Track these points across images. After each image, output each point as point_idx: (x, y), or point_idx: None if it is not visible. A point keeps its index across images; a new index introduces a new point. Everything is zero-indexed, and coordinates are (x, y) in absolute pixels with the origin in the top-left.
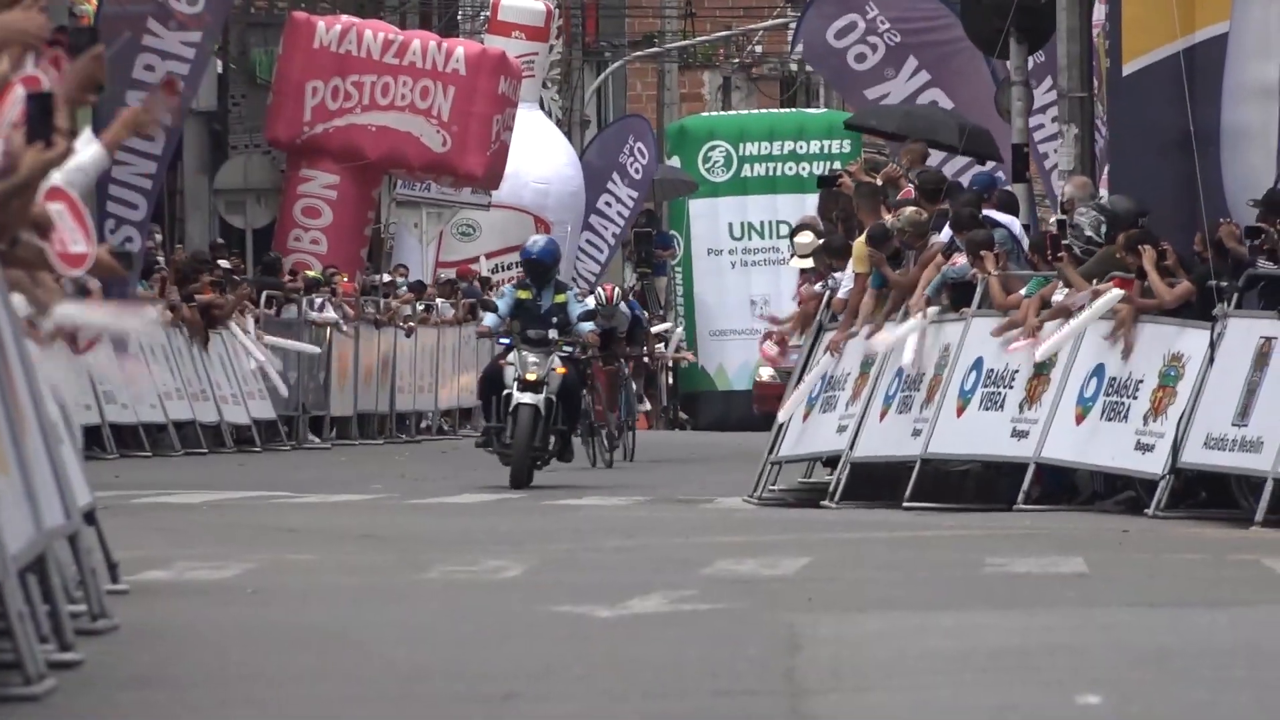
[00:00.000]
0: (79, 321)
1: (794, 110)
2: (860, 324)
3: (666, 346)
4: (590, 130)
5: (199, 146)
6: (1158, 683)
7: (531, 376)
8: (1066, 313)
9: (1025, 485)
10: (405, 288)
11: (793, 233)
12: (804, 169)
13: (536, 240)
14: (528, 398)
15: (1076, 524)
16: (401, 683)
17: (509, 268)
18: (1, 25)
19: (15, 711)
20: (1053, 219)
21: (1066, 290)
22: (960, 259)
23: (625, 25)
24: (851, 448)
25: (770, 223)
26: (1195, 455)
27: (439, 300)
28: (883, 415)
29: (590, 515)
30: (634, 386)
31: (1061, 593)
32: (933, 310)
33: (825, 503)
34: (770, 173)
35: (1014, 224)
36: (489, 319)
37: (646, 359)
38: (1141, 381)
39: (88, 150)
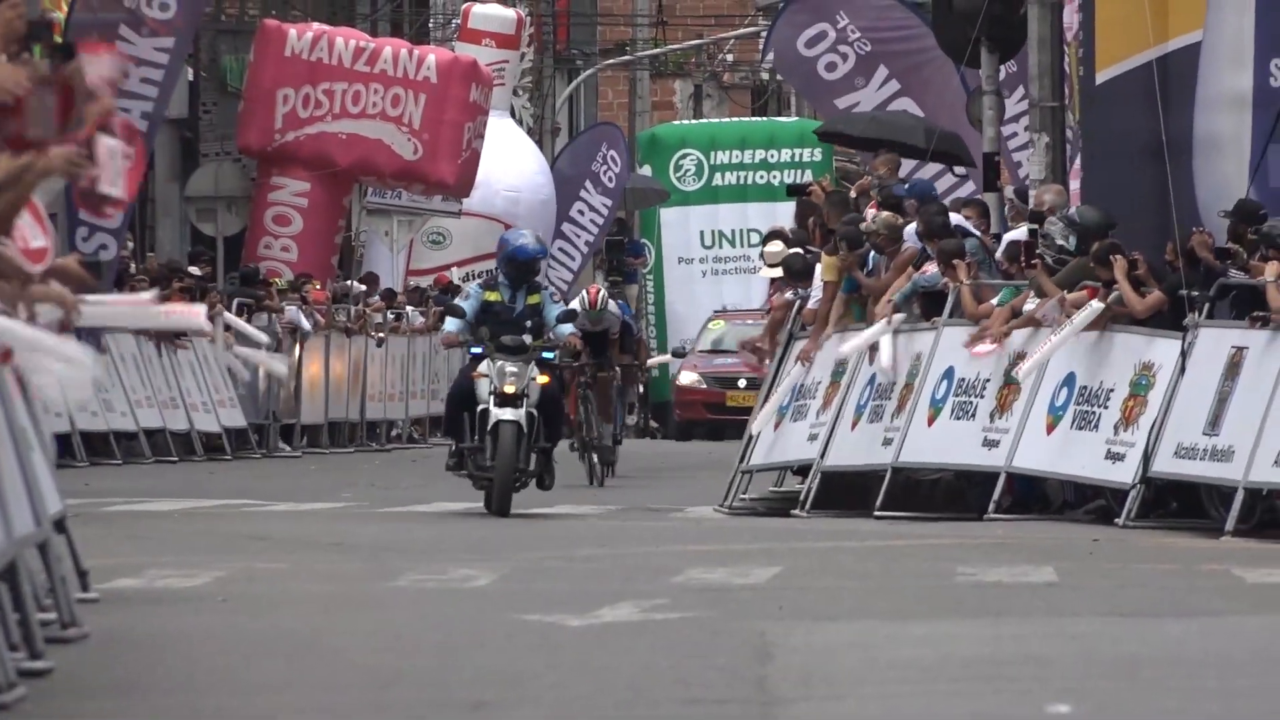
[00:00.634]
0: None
1: (765, 119)
2: (830, 330)
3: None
4: (561, 138)
5: (170, 154)
6: (1128, 692)
7: (510, 389)
8: (1037, 323)
9: (996, 495)
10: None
11: (763, 241)
12: (775, 178)
13: (523, 235)
14: (508, 413)
15: (1047, 534)
16: (372, 691)
17: (480, 275)
18: None
19: None
20: (1024, 227)
21: (1038, 300)
22: (931, 267)
23: (597, 33)
24: (822, 457)
25: (741, 231)
26: (1166, 465)
27: (409, 309)
28: (854, 424)
29: (561, 524)
30: (627, 396)
31: (1032, 602)
32: (898, 317)
33: (796, 512)
34: (741, 181)
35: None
36: (452, 324)
37: (637, 367)
38: (1112, 391)
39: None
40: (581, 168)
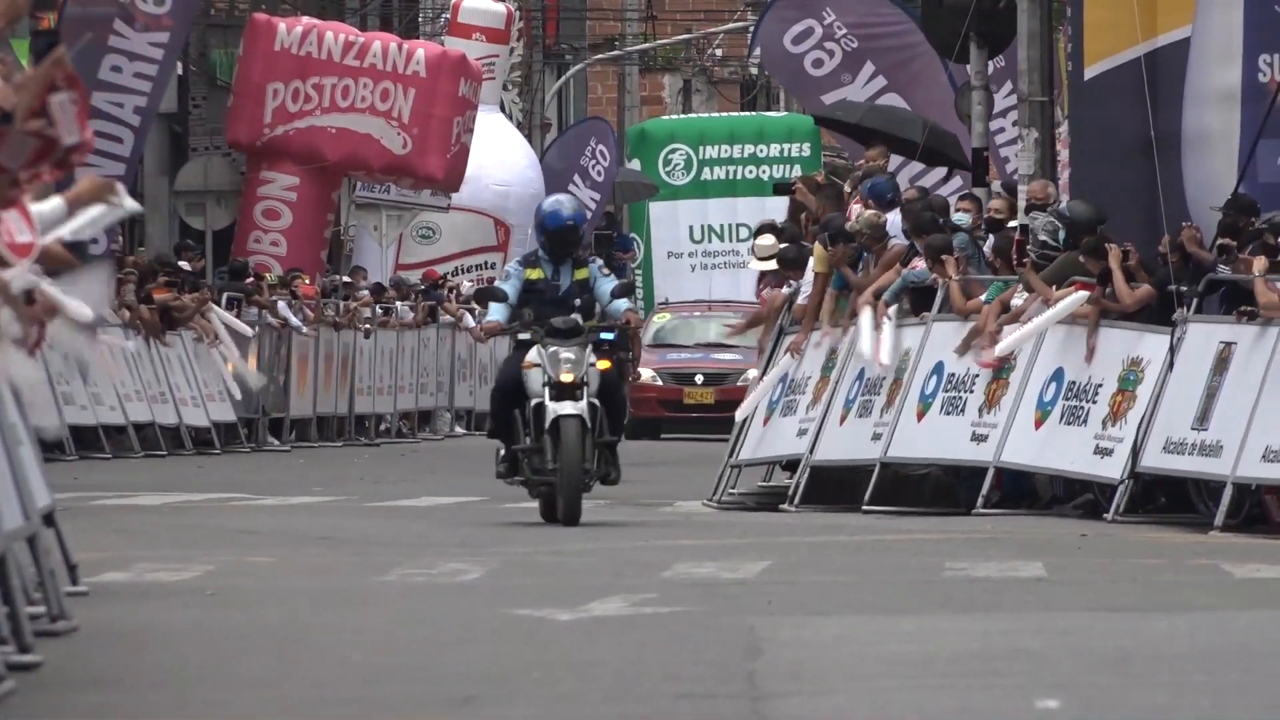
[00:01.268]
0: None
1: (754, 114)
2: (824, 325)
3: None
4: (551, 133)
5: (159, 148)
6: (1117, 687)
7: (568, 377)
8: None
9: (985, 489)
10: (365, 290)
11: (754, 235)
12: (764, 172)
13: (557, 201)
14: (569, 407)
15: (1036, 528)
16: (360, 686)
17: (469, 270)
18: None
19: None
20: (1015, 223)
21: (1027, 295)
22: (920, 263)
23: (586, 28)
24: (811, 451)
25: (730, 226)
26: (1154, 460)
27: (398, 303)
28: (843, 419)
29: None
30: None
31: (1021, 597)
32: (893, 309)
33: (785, 506)
34: (730, 176)
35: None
36: (496, 311)
37: (630, 361)
38: (1101, 386)
39: (49, 202)
40: (570, 162)
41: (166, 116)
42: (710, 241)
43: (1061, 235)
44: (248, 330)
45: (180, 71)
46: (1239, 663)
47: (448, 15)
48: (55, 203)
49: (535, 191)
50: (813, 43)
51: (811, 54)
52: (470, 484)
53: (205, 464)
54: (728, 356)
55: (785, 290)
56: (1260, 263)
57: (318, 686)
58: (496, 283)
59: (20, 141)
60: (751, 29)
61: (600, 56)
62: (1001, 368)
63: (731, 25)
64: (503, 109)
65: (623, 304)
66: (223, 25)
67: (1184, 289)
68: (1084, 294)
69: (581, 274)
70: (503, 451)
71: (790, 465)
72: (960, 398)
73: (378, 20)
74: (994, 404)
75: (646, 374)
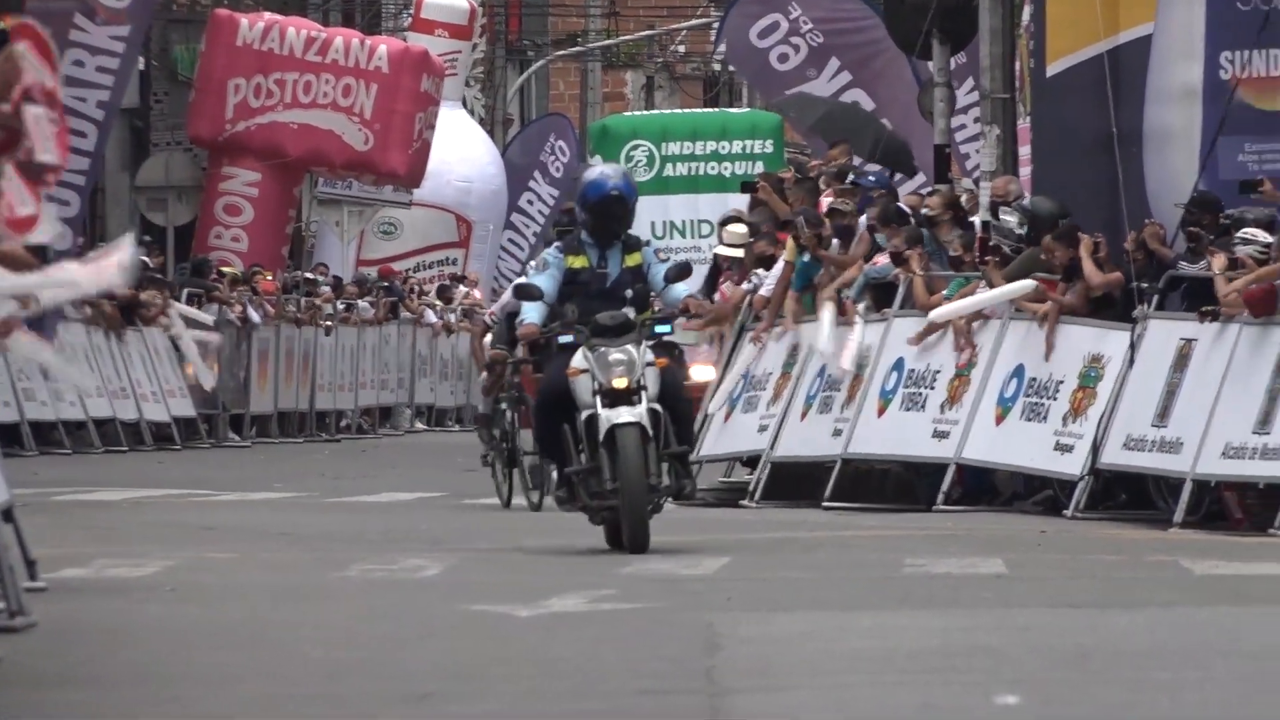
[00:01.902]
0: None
1: (717, 110)
2: (787, 321)
3: None
4: (513, 129)
5: (120, 143)
6: (1076, 683)
7: (621, 382)
8: (984, 316)
9: (945, 486)
10: (326, 286)
11: (720, 225)
12: (726, 169)
13: (603, 171)
14: (625, 414)
15: (996, 525)
16: (320, 681)
17: (430, 266)
18: None
19: None
20: (978, 219)
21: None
22: (882, 259)
23: (548, 24)
24: (772, 447)
25: (692, 222)
26: (1114, 456)
27: (360, 300)
28: (803, 415)
29: (509, 515)
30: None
31: (980, 593)
32: (861, 306)
33: (745, 502)
34: (692, 172)
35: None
36: (531, 312)
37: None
38: (1061, 382)
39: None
40: (531, 158)
41: (128, 112)
42: (672, 238)
43: (1026, 230)
44: (208, 319)
45: (142, 66)
46: (1198, 659)
47: (410, 11)
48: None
49: (497, 188)
50: (778, 37)
51: (777, 49)
52: (431, 480)
53: (166, 459)
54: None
55: (745, 287)
56: (1220, 260)
57: (278, 682)
58: (531, 275)
59: None
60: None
61: (563, 53)
62: (965, 366)
63: (694, 21)
64: (465, 105)
65: (680, 289)
66: (184, 20)
67: (1145, 286)
68: (1031, 282)
69: (634, 259)
70: (556, 474)
71: (751, 461)
72: (921, 394)
73: (340, 16)
74: (955, 400)
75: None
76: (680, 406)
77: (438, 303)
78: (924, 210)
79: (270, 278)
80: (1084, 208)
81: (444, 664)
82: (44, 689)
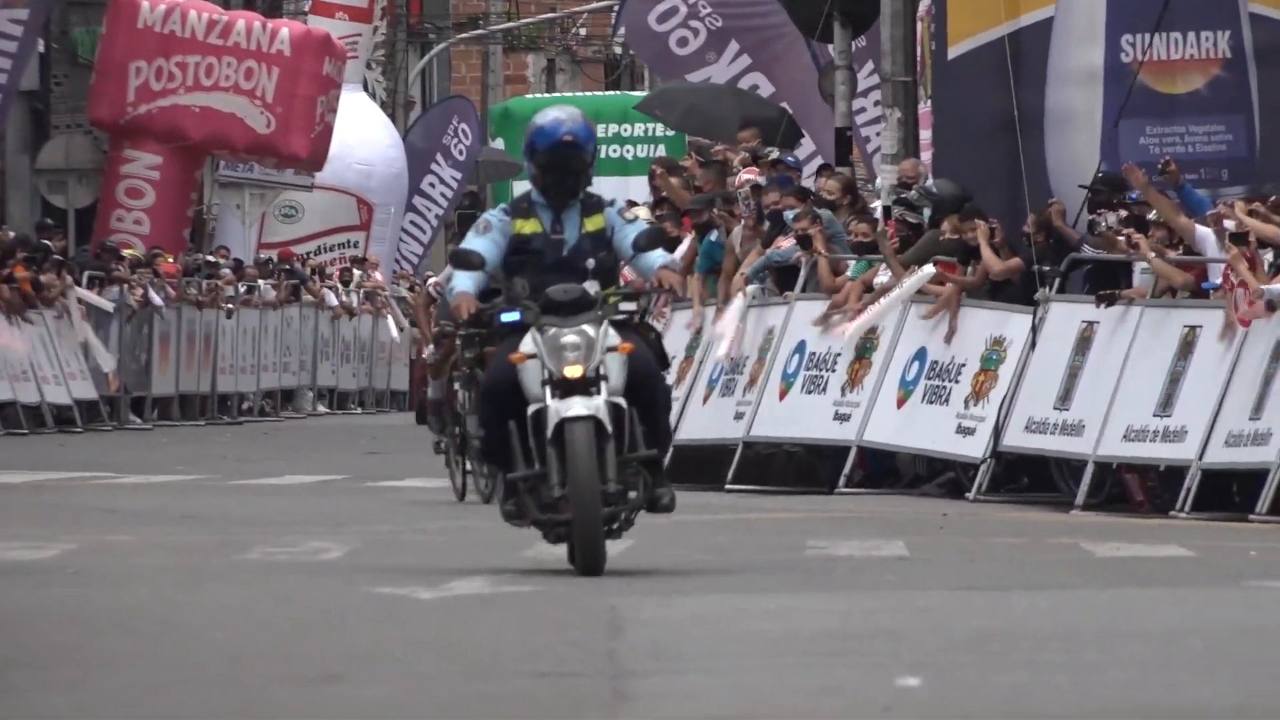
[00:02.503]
0: None
1: (618, 93)
2: (694, 306)
3: None
4: (415, 112)
5: (21, 126)
6: (977, 666)
7: (575, 371)
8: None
9: (847, 468)
10: (227, 269)
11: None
12: (628, 152)
13: (555, 116)
14: (577, 407)
15: (897, 507)
16: (221, 665)
17: (331, 249)
18: None
19: None
20: (877, 204)
21: (890, 275)
22: (784, 242)
23: (450, 7)
24: (675, 430)
25: None
26: (1016, 439)
27: (260, 281)
28: (705, 398)
29: (413, 497)
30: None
31: (882, 576)
32: (753, 288)
33: None
34: None
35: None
36: (463, 282)
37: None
38: (963, 365)
39: None
40: (433, 141)
41: (28, 94)
42: None
43: (928, 213)
44: (108, 305)
45: (42, 49)
46: (1099, 641)
47: None
48: None
49: (398, 171)
50: (677, 21)
51: (676, 33)
52: (332, 462)
53: (67, 442)
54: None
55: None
56: (1145, 242)
57: (179, 666)
58: (469, 238)
59: None
60: (616, 8)
61: (464, 35)
62: (868, 349)
63: (595, 5)
64: (366, 88)
65: (655, 258)
66: (85, 3)
67: (1047, 269)
68: (930, 269)
69: (594, 222)
70: (501, 479)
71: None
72: (822, 377)
73: None
74: (856, 383)
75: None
76: (654, 401)
77: (339, 285)
78: (822, 193)
79: (172, 260)
80: (985, 191)
81: (346, 646)
82: None
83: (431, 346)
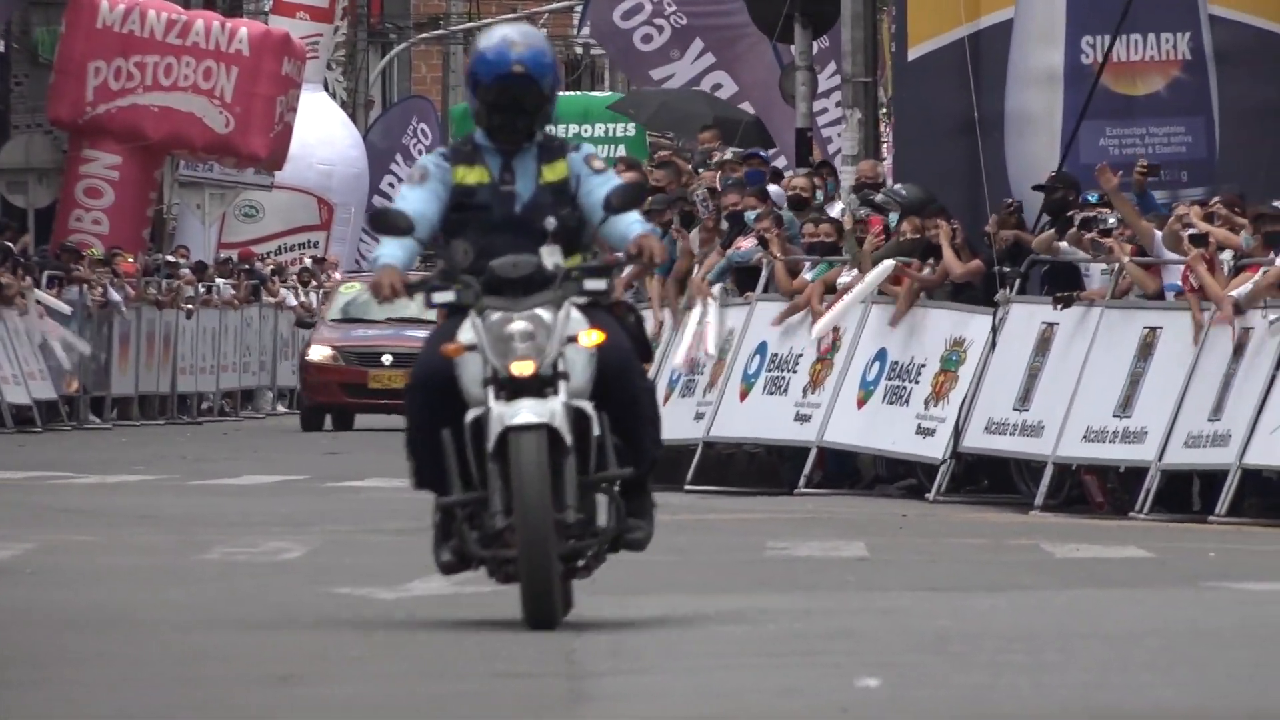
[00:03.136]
0: None
1: (578, 93)
2: (654, 306)
3: None
4: (375, 112)
5: None
6: (937, 666)
7: (525, 367)
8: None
9: (807, 469)
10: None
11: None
12: None
13: (505, 37)
14: (526, 413)
15: (858, 508)
16: (180, 665)
17: (291, 249)
18: None
19: None
20: (839, 208)
21: (854, 274)
22: (745, 243)
23: (410, 7)
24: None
25: None
26: (976, 440)
27: (220, 281)
28: (666, 398)
29: (372, 498)
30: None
31: (842, 577)
32: (717, 289)
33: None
34: None
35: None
36: (387, 251)
37: None
38: (923, 366)
39: None
40: (392, 140)
41: None
42: None
43: (893, 217)
44: (65, 309)
45: (2, 49)
46: (1057, 641)
47: None
48: None
49: (358, 171)
50: (642, 18)
51: (641, 29)
52: (292, 463)
53: (26, 442)
54: (424, 334)
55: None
56: (1119, 245)
57: (137, 665)
58: (402, 191)
59: None
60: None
61: (424, 35)
62: (828, 351)
63: (556, 5)
64: (326, 88)
65: (631, 222)
66: (45, 3)
67: (1007, 269)
68: (890, 262)
69: (555, 171)
70: (435, 507)
71: None
72: (783, 378)
73: None
74: (817, 384)
75: (325, 353)
76: (630, 405)
77: (298, 286)
78: (789, 191)
79: (131, 260)
80: (946, 191)
81: (305, 647)
82: None
83: None
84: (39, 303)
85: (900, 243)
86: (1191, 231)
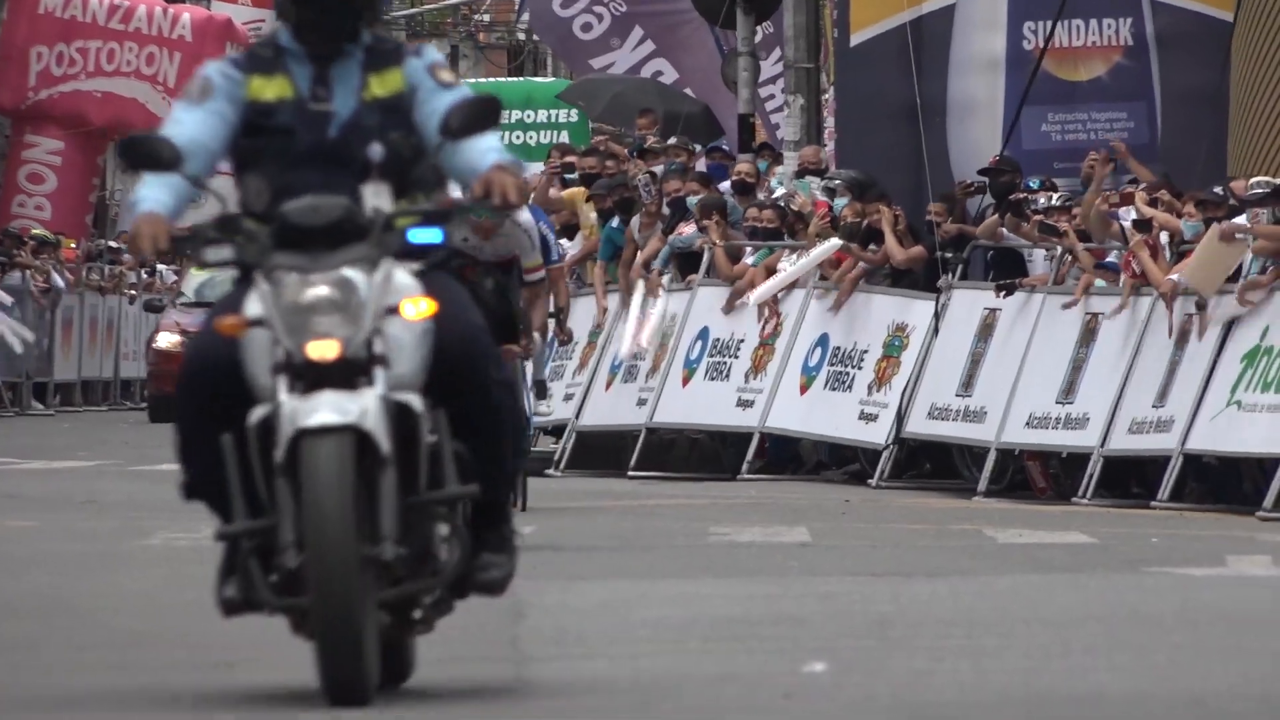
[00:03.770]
0: None
1: (522, 79)
2: (597, 293)
3: None
4: None
5: None
6: (878, 651)
7: (325, 349)
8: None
9: (749, 455)
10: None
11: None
12: (531, 138)
13: None
14: (326, 411)
15: (800, 494)
16: (121, 650)
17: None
18: None
19: None
20: (781, 189)
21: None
22: (687, 229)
23: None
24: (577, 416)
25: None
26: (919, 425)
27: (161, 268)
28: (608, 384)
29: None
30: (527, 371)
31: (784, 562)
32: (666, 278)
33: (550, 471)
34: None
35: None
36: (149, 194)
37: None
38: (866, 352)
39: None
40: None
41: None
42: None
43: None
44: (6, 299)
45: None
46: (999, 627)
47: None
48: None
49: None
50: (581, 6)
51: (580, 18)
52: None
53: None
54: None
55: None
56: (1072, 231)
57: (78, 650)
58: (175, 110)
59: None
60: None
61: None
62: (770, 336)
63: None
64: None
65: (486, 151)
66: None
67: (949, 255)
68: (836, 241)
69: (386, 83)
70: (218, 529)
71: (556, 430)
72: (725, 363)
73: None
74: (759, 369)
75: (172, 339)
76: (482, 402)
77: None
78: (735, 176)
79: (74, 246)
80: (888, 177)
81: (247, 633)
82: None
83: None
84: None
85: (842, 226)
86: (1134, 218)
